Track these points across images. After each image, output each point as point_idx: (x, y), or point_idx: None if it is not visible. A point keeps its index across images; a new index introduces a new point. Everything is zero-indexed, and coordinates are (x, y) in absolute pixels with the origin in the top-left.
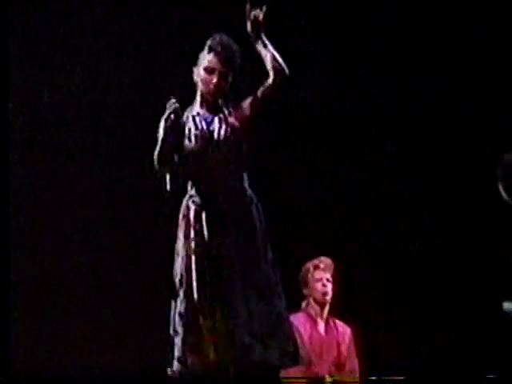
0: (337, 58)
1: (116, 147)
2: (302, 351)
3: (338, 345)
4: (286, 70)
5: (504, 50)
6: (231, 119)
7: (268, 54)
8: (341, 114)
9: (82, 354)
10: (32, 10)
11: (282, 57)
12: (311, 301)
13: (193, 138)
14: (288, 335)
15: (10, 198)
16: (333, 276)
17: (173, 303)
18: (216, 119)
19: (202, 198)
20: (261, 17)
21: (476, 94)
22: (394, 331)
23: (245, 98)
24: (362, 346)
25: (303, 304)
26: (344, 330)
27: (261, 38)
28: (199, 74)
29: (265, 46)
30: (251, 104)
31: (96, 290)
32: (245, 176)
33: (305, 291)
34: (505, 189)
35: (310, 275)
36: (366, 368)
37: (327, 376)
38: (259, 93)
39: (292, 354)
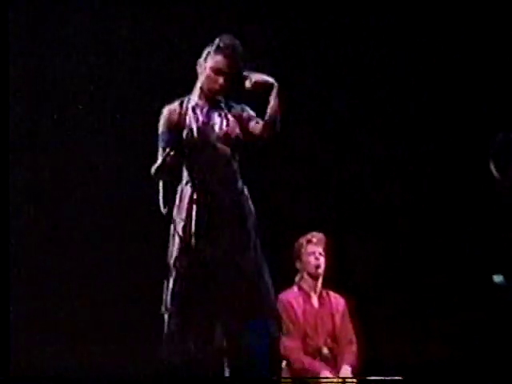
0: (333, 55)
1: (115, 146)
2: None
3: (332, 316)
4: (277, 128)
5: (489, 33)
6: (231, 117)
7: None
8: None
9: (82, 354)
10: (32, 9)
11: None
12: (304, 274)
13: (194, 130)
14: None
15: (10, 197)
16: (325, 250)
17: (165, 283)
18: (216, 113)
19: (197, 184)
20: (254, 82)
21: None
22: (388, 303)
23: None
24: (356, 316)
25: (297, 278)
26: (337, 301)
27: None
28: (205, 70)
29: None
30: (245, 123)
31: (96, 290)
32: (236, 165)
33: (298, 265)
34: (495, 167)
35: (302, 249)
36: (361, 341)
37: (324, 347)
38: (250, 125)
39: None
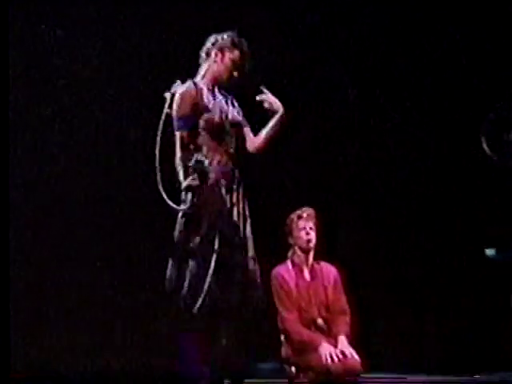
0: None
1: (115, 144)
2: None
3: (325, 288)
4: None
5: (477, 17)
6: (236, 105)
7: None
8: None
9: (82, 353)
10: (32, 9)
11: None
12: (296, 249)
13: (216, 114)
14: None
15: (10, 195)
16: (315, 224)
17: (170, 261)
18: (224, 100)
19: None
20: (267, 99)
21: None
22: (378, 275)
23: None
24: (348, 285)
25: (289, 253)
26: (329, 272)
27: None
28: (216, 57)
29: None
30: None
31: (96, 290)
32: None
33: (290, 240)
34: (488, 145)
35: (294, 225)
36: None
37: (318, 318)
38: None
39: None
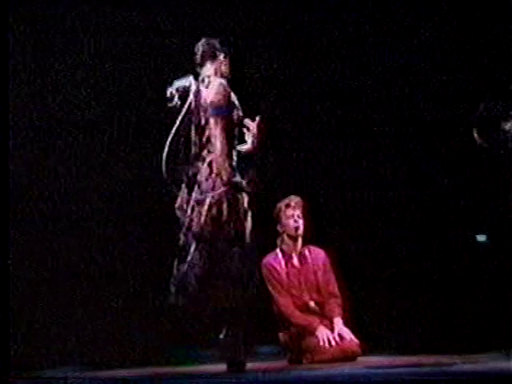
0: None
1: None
2: None
3: (315, 272)
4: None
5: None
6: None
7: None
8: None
9: (81, 353)
10: (32, 8)
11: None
12: (285, 236)
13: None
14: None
15: (10, 192)
16: (303, 212)
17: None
18: None
19: None
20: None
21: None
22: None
23: None
24: (338, 268)
25: (278, 241)
26: (318, 255)
27: None
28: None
29: None
30: None
31: (96, 290)
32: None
33: (279, 228)
34: (478, 133)
35: (282, 213)
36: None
37: (310, 302)
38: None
39: None
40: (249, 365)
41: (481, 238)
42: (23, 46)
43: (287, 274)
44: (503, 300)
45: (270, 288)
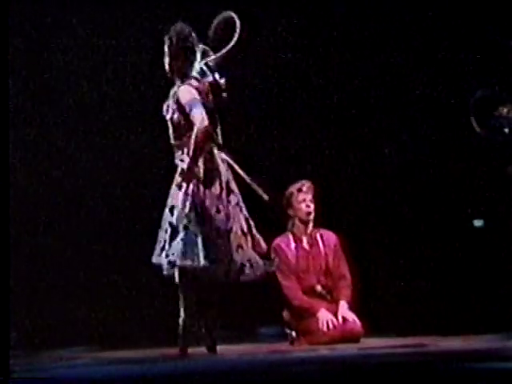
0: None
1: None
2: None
3: (325, 254)
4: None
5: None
6: None
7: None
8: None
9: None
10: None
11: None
12: (296, 221)
13: None
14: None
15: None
16: (314, 197)
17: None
18: None
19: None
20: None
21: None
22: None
23: None
24: (349, 251)
25: (289, 224)
26: (329, 238)
27: None
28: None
29: None
30: None
31: (95, 289)
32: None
33: (290, 212)
34: (476, 122)
35: (293, 198)
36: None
37: (317, 285)
38: None
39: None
40: (250, 346)
41: (478, 223)
42: (23, 46)
43: (296, 256)
44: (502, 282)
45: (277, 270)
